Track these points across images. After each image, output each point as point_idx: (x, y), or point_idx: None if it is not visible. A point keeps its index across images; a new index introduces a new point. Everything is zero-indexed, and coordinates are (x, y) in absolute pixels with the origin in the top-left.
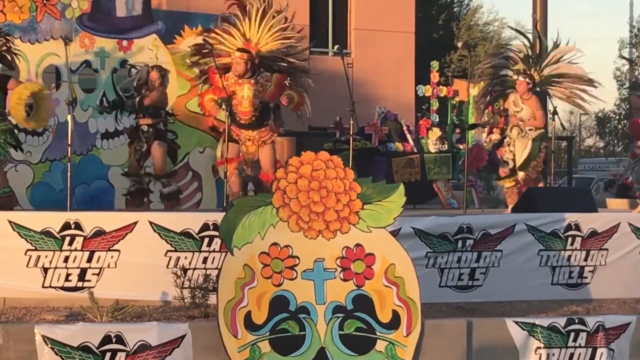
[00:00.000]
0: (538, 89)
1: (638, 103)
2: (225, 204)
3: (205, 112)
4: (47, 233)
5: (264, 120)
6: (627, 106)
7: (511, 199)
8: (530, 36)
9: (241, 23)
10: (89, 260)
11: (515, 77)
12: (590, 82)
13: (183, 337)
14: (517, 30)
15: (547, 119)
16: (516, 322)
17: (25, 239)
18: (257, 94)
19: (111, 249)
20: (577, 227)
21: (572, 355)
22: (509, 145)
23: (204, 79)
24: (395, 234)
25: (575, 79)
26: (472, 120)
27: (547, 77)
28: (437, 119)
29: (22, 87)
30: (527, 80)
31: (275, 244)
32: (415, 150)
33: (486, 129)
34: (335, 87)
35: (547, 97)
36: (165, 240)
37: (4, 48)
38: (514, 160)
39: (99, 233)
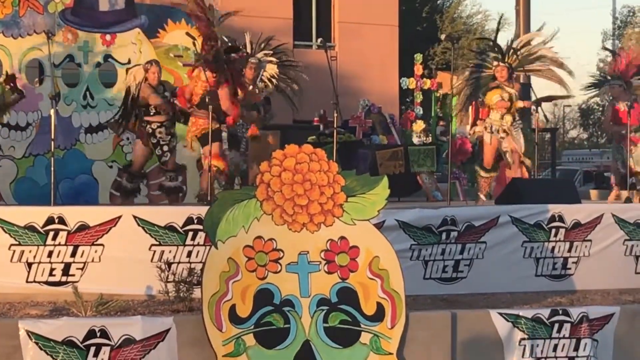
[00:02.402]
0: (515, 74)
1: (616, 93)
2: (209, 198)
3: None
4: (30, 228)
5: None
6: (610, 98)
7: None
8: None
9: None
10: (73, 254)
11: (492, 66)
12: (563, 66)
13: (167, 331)
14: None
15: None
16: (500, 314)
17: (9, 234)
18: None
19: (95, 243)
20: (561, 219)
21: (556, 346)
22: (501, 134)
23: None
24: (379, 226)
25: (552, 62)
26: (455, 113)
27: (524, 57)
28: (421, 112)
29: None
30: (507, 65)
31: (259, 237)
32: (399, 143)
33: (470, 121)
34: (319, 80)
35: (529, 85)
36: (150, 234)
37: None
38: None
39: (83, 227)
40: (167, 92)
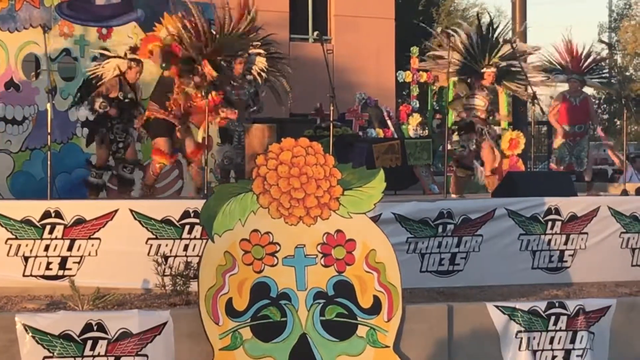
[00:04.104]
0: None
1: (574, 87)
2: (206, 191)
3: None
4: (27, 222)
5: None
6: (607, 91)
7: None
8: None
9: None
10: (70, 248)
11: (483, 66)
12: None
13: (164, 324)
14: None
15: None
16: (497, 307)
17: (6, 228)
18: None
19: (92, 237)
20: (557, 211)
21: (552, 338)
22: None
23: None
24: (375, 219)
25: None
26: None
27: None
28: (418, 105)
29: None
30: (496, 72)
31: (256, 230)
32: (396, 136)
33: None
34: (315, 74)
35: (528, 84)
36: (146, 228)
37: None
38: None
39: (80, 221)
40: (137, 94)
